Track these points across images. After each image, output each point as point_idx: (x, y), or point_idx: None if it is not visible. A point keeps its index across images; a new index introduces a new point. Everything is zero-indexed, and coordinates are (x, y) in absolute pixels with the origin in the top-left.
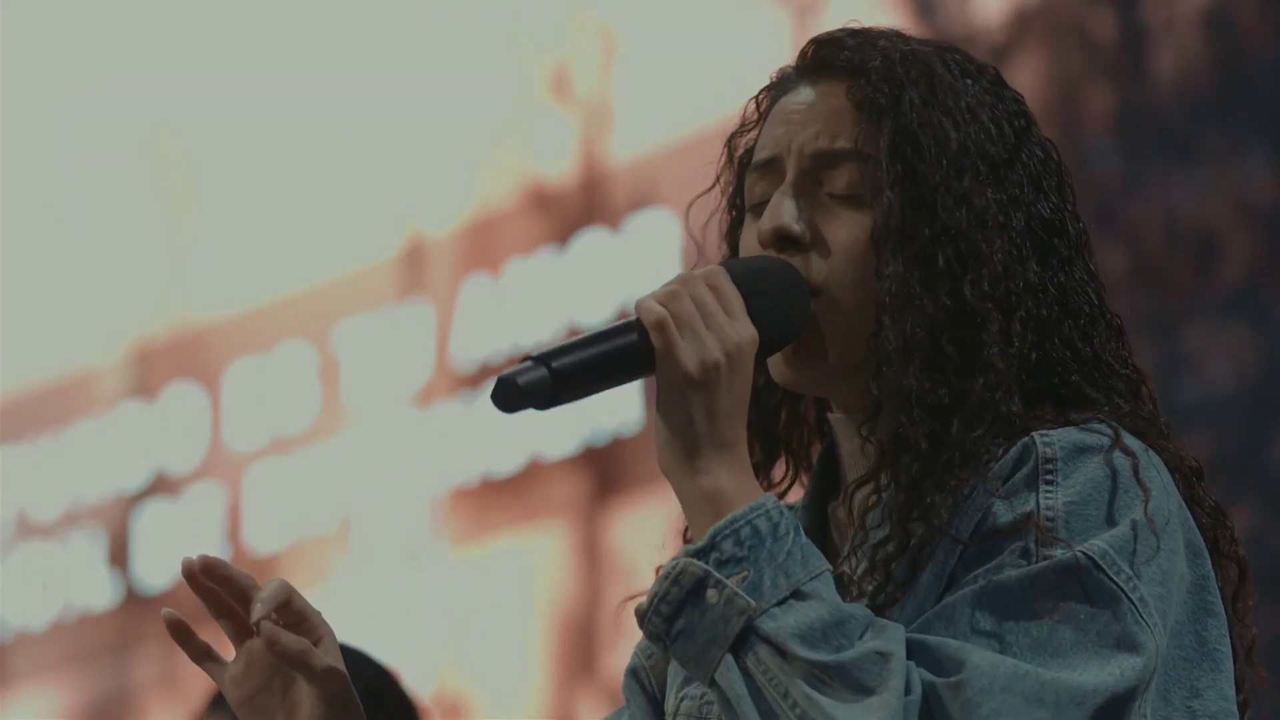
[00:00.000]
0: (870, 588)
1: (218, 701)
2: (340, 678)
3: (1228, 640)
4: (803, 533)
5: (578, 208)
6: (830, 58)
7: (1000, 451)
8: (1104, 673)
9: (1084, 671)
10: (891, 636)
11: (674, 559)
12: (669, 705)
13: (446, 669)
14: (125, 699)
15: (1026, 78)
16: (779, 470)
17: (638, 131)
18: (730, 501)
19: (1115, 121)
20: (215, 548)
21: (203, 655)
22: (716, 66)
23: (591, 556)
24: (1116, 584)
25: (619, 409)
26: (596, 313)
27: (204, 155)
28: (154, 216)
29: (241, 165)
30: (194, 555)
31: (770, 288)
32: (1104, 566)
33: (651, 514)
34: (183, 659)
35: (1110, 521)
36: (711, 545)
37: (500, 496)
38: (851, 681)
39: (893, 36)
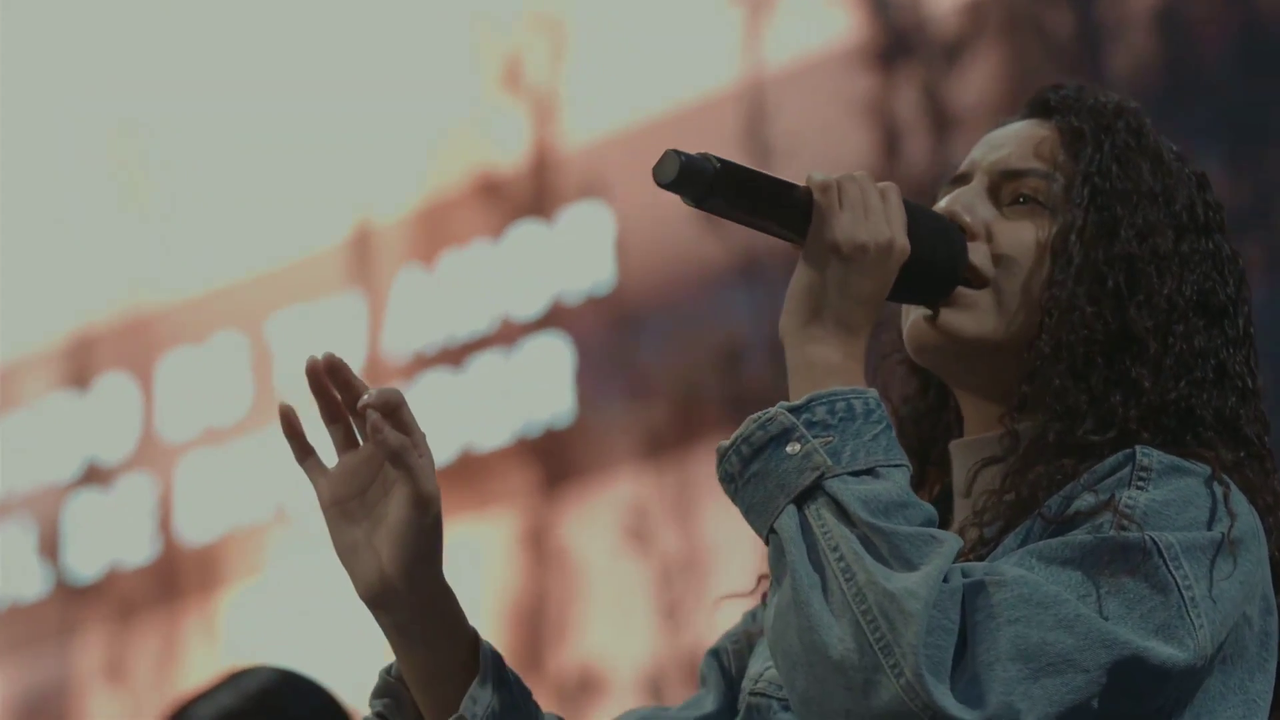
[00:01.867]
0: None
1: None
2: (434, 503)
3: (1268, 699)
4: (893, 432)
5: (528, 199)
6: (1048, 98)
7: (1108, 455)
8: (1142, 640)
9: (1122, 630)
10: (949, 535)
11: (766, 410)
12: (751, 673)
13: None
14: (64, 688)
15: (981, 74)
16: None
17: (588, 123)
18: (835, 376)
19: None
20: (146, 538)
21: (305, 454)
22: (668, 61)
23: (537, 551)
24: (1173, 576)
25: (552, 402)
26: (529, 305)
27: (155, 148)
28: (99, 208)
29: (192, 158)
30: (319, 354)
31: (933, 233)
32: (1166, 556)
33: (596, 509)
34: (125, 648)
35: (1190, 529)
36: (806, 406)
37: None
38: (899, 552)
39: (1116, 96)
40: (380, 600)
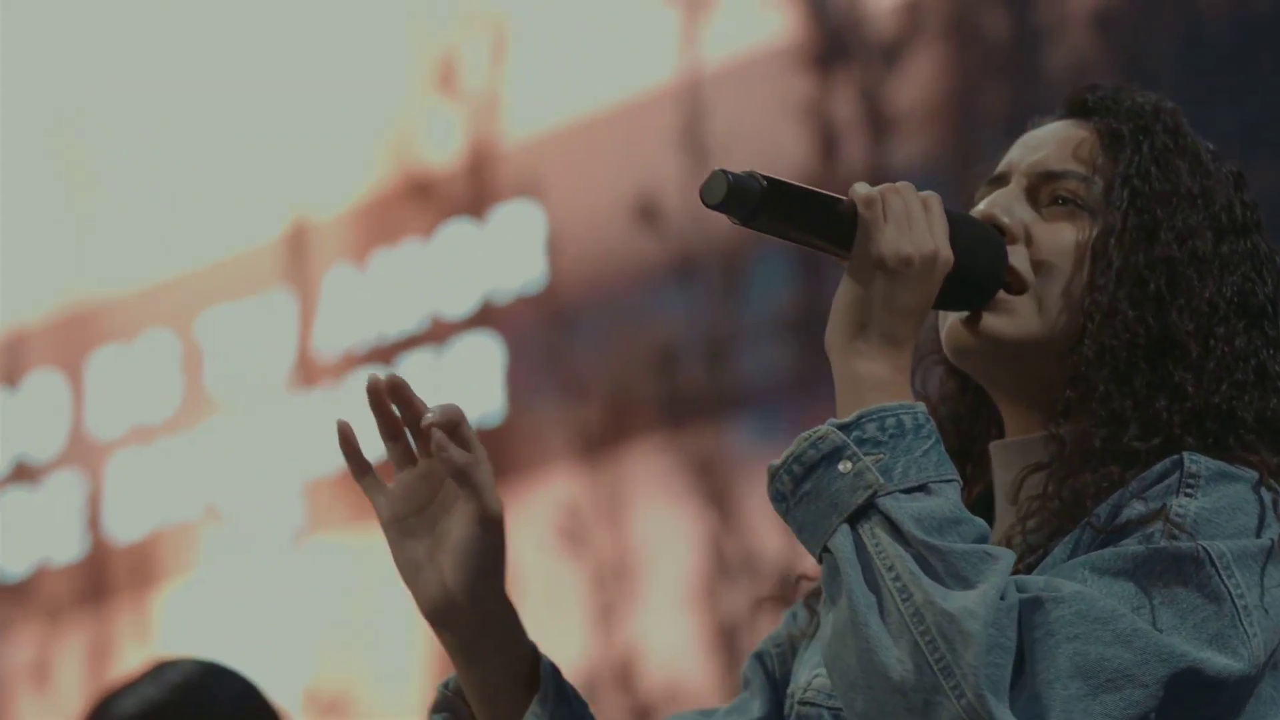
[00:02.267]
0: None
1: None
2: (499, 520)
3: None
4: (942, 446)
5: (461, 198)
6: (1084, 99)
7: (1153, 462)
8: (1198, 652)
9: (1178, 642)
10: (1003, 550)
11: (816, 428)
12: (799, 682)
13: (324, 664)
14: None
15: (921, 79)
16: None
17: (524, 122)
18: (883, 391)
19: (1008, 121)
20: (75, 536)
21: (364, 471)
22: (605, 60)
23: None
24: (1225, 586)
25: (481, 400)
26: (460, 304)
27: (88, 146)
28: (31, 205)
29: (126, 155)
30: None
31: (974, 241)
32: (1218, 565)
33: (528, 510)
34: (54, 648)
35: (1241, 536)
36: (856, 423)
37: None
38: (955, 571)
39: (1153, 96)
40: (443, 618)
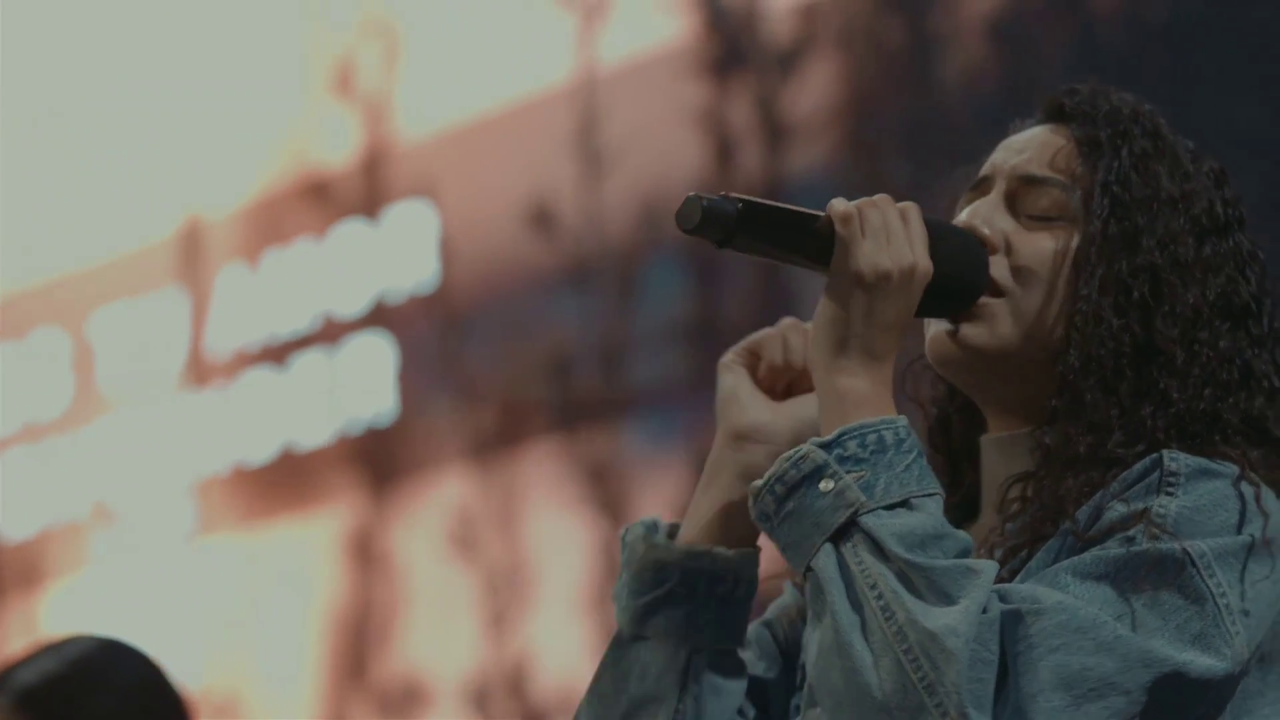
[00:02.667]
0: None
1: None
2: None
3: None
4: (924, 459)
5: (355, 198)
6: (1063, 103)
7: (1133, 463)
8: (1180, 654)
9: (1160, 645)
10: (985, 563)
11: (797, 447)
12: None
13: (214, 665)
14: None
15: (817, 86)
16: None
17: (418, 123)
18: (865, 407)
19: (904, 128)
20: None
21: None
22: (500, 62)
23: (362, 556)
24: (1207, 585)
25: (373, 401)
26: (352, 303)
27: None
28: None
29: (17, 152)
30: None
31: (954, 250)
32: (1199, 565)
33: (421, 513)
34: None
35: (1222, 534)
36: (837, 441)
37: (257, 486)
38: (936, 587)
39: (1131, 99)
40: (753, 436)
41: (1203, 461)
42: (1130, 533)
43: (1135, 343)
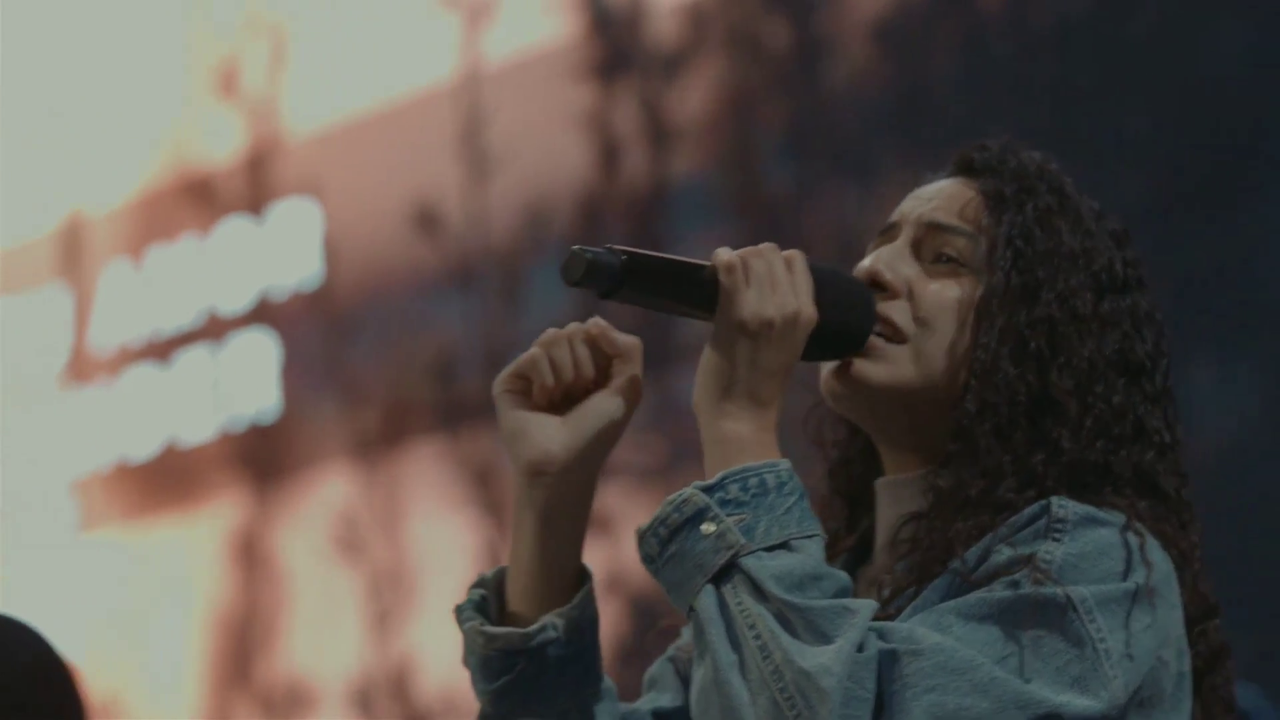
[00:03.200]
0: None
1: None
2: (638, 396)
3: None
4: (806, 501)
5: (239, 196)
6: (972, 158)
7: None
8: (1057, 696)
9: (1037, 688)
10: (864, 603)
11: (681, 490)
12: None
13: (95, 665)
14: None
15: (702, 90)
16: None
17: (303, 122)
18: (747, 451)
19: (788, 132)
20: None
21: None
22: (384, 63)
23: (246, 556)
24: (1087, 630)
25: (257, 397)
26: (236, 300)
27: None
28: None
29: None
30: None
31: (839, 295)
32: (1080, 610)
33: (305, 513)
34: None
35: (1105, 581)
36: (719, 485)
37: (140, 483)
38: (813, 627)
39: (1038, 157)
40: (544, 472)
41: (1090, 510)
42: (1015, 576)
43: (1030, 392)
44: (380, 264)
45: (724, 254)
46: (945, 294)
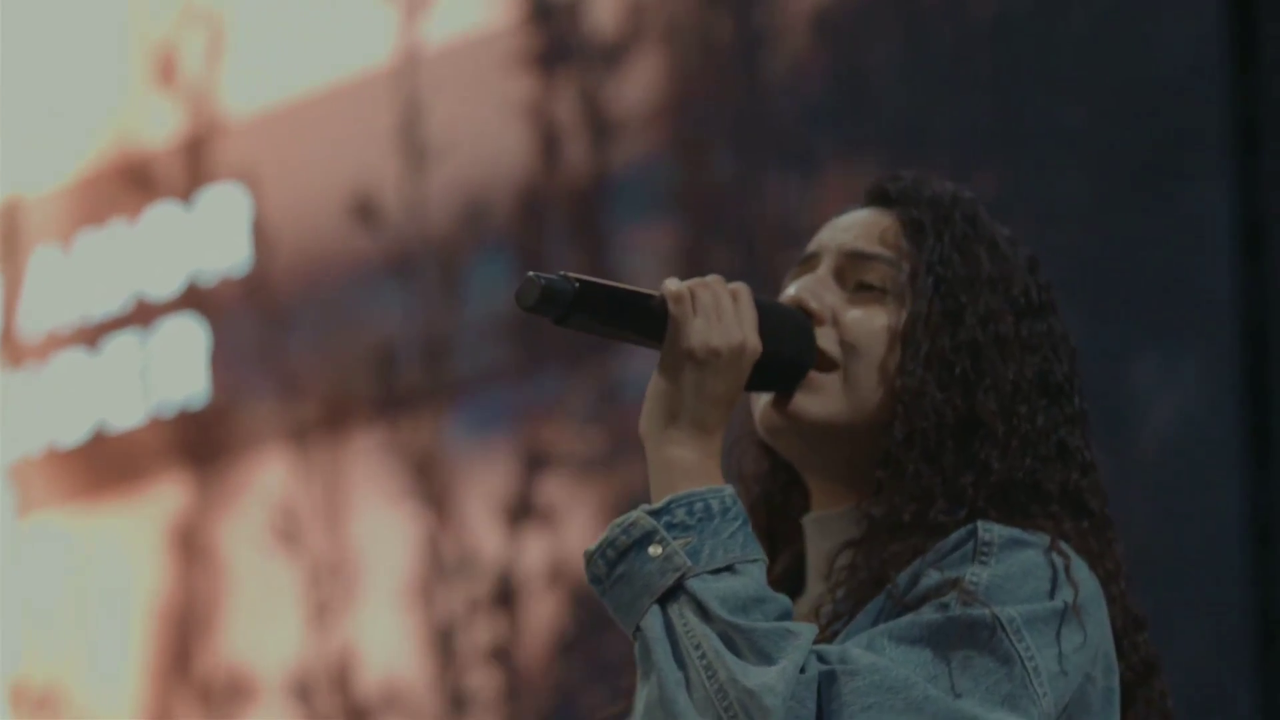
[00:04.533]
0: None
1: None
2: None
3: None
4: (749, 527)
5: (171, 181)
6: (887, 188)
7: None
8: (988, 714)
9: (970, 707)
10: (805, 626)
11: (628, 514)
12: None
13: (33, 654)
14: None
15: (643, 81)
16: None
17: (240, 111)
18: (692, 476)
19: (729, 123)
20: None
21: None
22: (322, 49)
23: (184, 546)
24: (1016, 649)
25: (185, 383)
26: (164, 285)
27: None
28: None
29: None
30: None
31: (783, 327)
32: (1008, 630)
33: (238, 498)
34: None
35: (1032, 601)
36: (666, 508)
37: (71, 468)
38: (757, 648)
39: (951, 186)
40: None
41: (1015, 532)
42: (945, 599)
43: (957, 415)
44: (317, 253)
45: (673, 284)
46: (870, 321)
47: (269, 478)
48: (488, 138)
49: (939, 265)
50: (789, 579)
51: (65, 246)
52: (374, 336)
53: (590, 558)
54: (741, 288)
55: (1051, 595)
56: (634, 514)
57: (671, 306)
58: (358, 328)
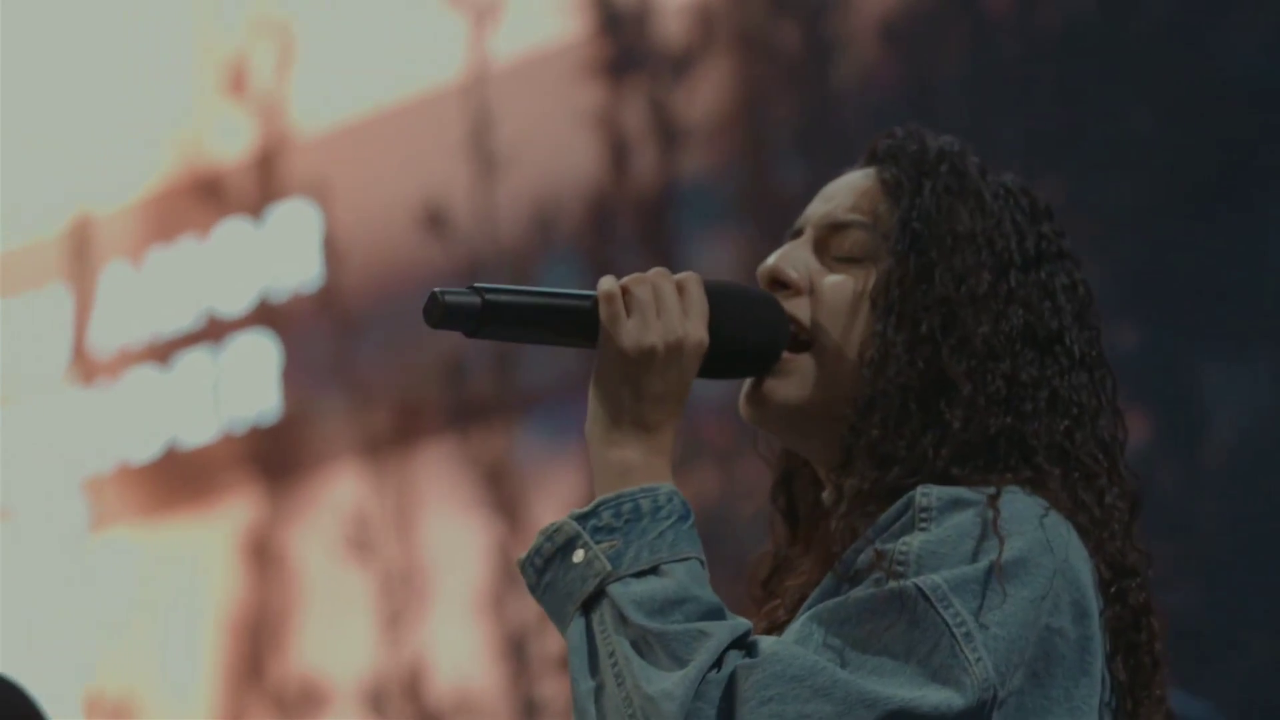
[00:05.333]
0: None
1: None
2: None
3: (1095, 703)
4: (688, 524)
5: (242, 197)
6: (879, 147)
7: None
8: (909, 691)
9: (887, 686)
10: (723, 624)
11: (555, 520)
12: None
13: (107, 665)
14: None
15: (711, 90)
16: None
17: (312, 124)
18: (633, 476)
19: (797, 131)
20: None
21: None
22: (392, 63)
23: (257, 556)
24: (942, 617)
25: (258, 399)
26: (236, 302)
27: None
28: None
29: None
30: None
31: (745, 311)
32: (933, 599)
33: (311, 511)
34: None
35: (961, 564)
36: (594, 512)
37: (143, 484)
38: (669, 651)
39: (945, 140)
40: None
41: (957, 492)
42: (876, 574)
43: (924, 377)
44: (388, 264)
45: (606, 284)
46: (844, 288)
47: (341, 489)
48: (557, 147)
49: (915, 222)
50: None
51: (136, 263)
52: (445, 347)
53: (522, 566)
54: (690, 278)
55: (976, 555)
56: (561, 520)
57: (601, 308)
58: (429, 339)
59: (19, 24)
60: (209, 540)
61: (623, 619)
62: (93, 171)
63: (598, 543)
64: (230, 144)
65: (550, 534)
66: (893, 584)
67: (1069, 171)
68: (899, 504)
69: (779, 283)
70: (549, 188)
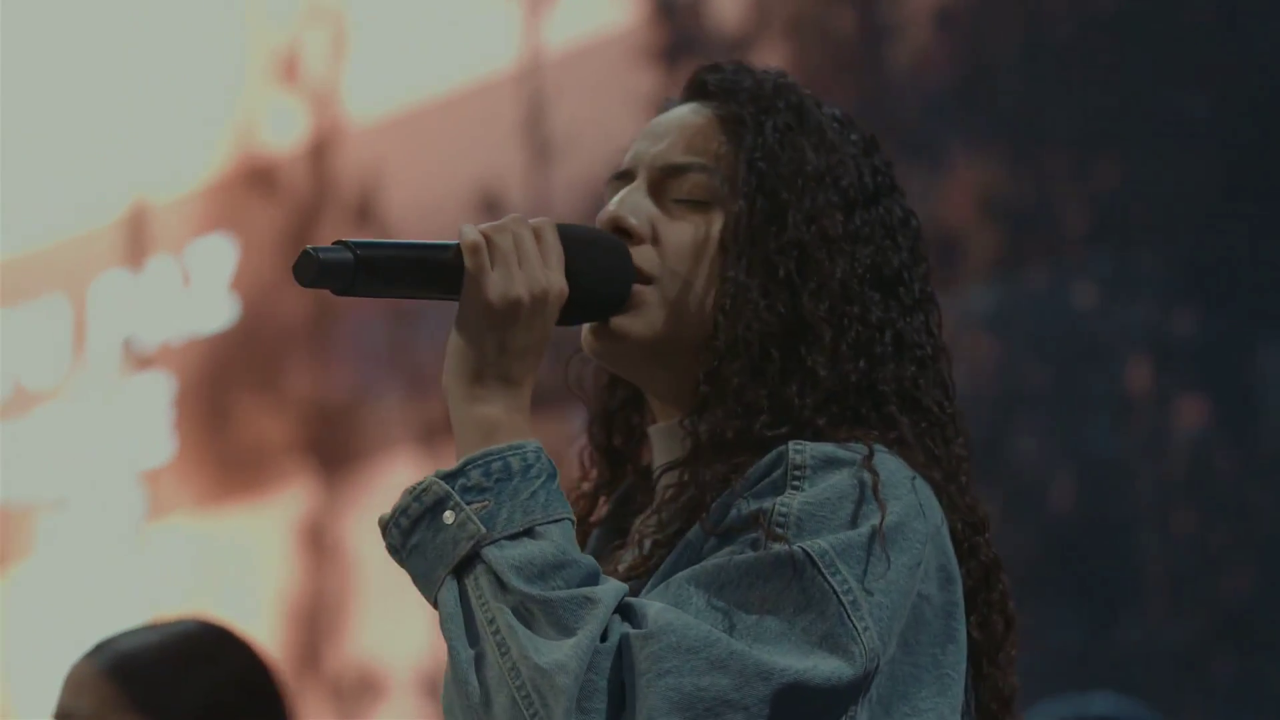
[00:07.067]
0: (628, 562)
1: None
2: None
3: (963, 668)
4: (556, 482)
5: (304, 188)
6: (707, 81)
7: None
8: (800, 662)
9: (780, 656)
10: (607, 589)
11: (421, 479)
12: None
13: None
14: None
15: None
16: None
17: (365, 113)
18: (498, 433)
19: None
20: None
21: None
22: (448, 54)
23: (314, 544)
24: (830, 584)
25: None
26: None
27: None
28: None
29: None
30: None
31: (596, 257)
32: (820, 565)
33: (373, 499)
34: None
35: (843, 528)
36: (461, 471)
37: (204, 471)
38: (555, 619)
39: (774, 73)
40: None
41: (829, 449)
42: (754, 535)
43: (783, 322)
44: None
45: (469, 233)
46: (690, 233)
47: (398, 476)
48: (612, 134)
49: (761, 162)
50: (639, 491)
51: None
52: None
53: (385, 527)
54: (545, 224)
55: (856, 519)
56: (428, 479)
57: (466, 260)
58: None
59: (72, 17)
60: (266, 529)
61: (501, 585)
62: (148, 160)
63: (468, 503)
64: (284, 134)
65: (418, 494)
66: (777, 547)
67: (1124, 156)
68: (770, 458)
69: (621, 230)
70: (603, 174)
